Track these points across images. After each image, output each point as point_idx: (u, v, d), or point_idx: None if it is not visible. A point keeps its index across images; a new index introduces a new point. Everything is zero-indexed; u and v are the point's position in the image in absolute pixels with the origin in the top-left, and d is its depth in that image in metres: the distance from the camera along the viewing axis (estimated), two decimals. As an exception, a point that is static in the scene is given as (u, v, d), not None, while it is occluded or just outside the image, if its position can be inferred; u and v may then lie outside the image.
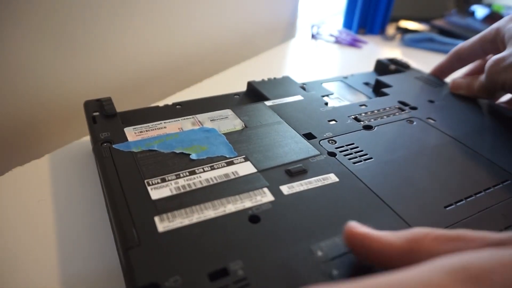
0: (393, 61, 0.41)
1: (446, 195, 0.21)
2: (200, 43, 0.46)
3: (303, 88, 0.34)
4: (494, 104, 0.33)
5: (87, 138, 0.31)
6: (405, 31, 0.67)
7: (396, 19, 0.72)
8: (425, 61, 0.53)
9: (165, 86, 0.42)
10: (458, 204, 0.21)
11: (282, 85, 0.34)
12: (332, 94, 0.34)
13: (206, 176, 0.21)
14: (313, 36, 0.64)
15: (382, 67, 0.41)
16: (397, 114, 0.30)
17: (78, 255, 0.21)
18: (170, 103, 0.30)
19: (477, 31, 0.58)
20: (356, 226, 0.16)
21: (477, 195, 0.22)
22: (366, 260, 0.15)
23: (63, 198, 0.25)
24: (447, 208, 0.20)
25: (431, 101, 0.32)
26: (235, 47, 0.51)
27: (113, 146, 0.23)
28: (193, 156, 0.22)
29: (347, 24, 0.69)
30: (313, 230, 0.18)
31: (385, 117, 0.29)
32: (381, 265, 0.15)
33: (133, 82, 0.41)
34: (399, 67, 0.40)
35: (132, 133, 0.24)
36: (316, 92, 0.33)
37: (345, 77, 0.38)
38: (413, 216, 0.19)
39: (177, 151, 0.23)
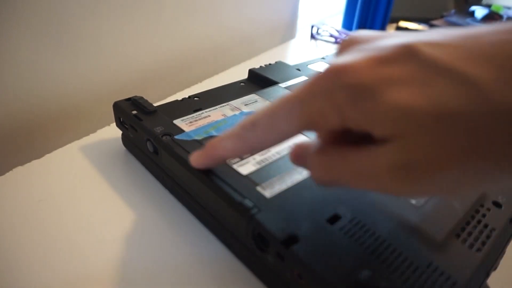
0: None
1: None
2: (200, 43, 0.47)
3: (299, 70, 0.38)
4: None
5: (87, 138, 0.32)
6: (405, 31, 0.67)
7: (396, 20, 0.71)
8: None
9: (165, 86, 0.42)
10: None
11: (280, 69, 0.37)
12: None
13: (275, 150, 0.24)
14: (312, 37, 0.63)
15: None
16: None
17: (78, 255, 0.21)
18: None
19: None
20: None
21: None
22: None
23: (63, 198, 0.25)
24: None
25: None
26: (235, 47, 0.52)
27: (175, 137, 0.24)
28: (253, 136, 0.25)
29: (347, 24, 0.68)
30: (380, 176, 0.22)
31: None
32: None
33: (133, 82, 0.40)
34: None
35: (183, 124, 0.26)
36: (314, 72, 0.37)
37: (323, 58, 0.43)
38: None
39: (236, 134, 0.25)
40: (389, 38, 0.14)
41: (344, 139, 0.15)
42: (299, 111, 0.15)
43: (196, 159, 0.21)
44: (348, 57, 0.14)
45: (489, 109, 0.11)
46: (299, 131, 0.16)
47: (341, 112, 0.14)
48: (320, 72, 0.14)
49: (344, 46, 0.16)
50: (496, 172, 0.12)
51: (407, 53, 0.13)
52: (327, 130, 0.15)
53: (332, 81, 0.14)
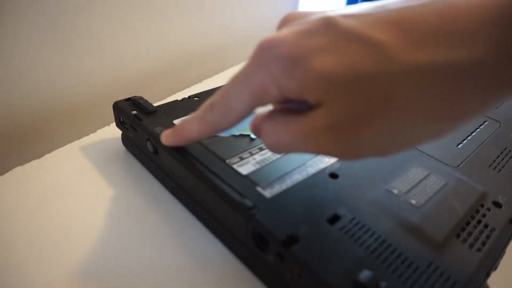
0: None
1: (453, 138, 0.27)
2: (200, 43, 0.47)
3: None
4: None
5: (87, 138, 0.32)
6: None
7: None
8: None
9: (165, 86, 0.42)
10: (463, 142, 0.27)
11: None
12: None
13: (274, 150, 0.24)
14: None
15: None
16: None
17: (78, 256, 0.21)
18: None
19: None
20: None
21: (472, 134, 0.28)
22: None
23: (63, 198, 0.25)
24: (458, 146, 0.26)
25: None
26: (235, 47, 0.52)
27: (175, 137, 0.24)
28: (253, 136, 0.25)
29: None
30: (380, 176, 0.22)
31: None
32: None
33: (133, 82, 0.40)
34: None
35: (183, 125, 0.26)
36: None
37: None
38: (438, 154, 0.25)
39: (236, 134, 0.25)
40: (316, 14, 0.15)
41: (292, 107, 0.17)
42: (245, 88, 0.16)
43: (166, 138, 0.22)
44: (279, 33, 0.15)
45: (394, 68, 0.13)
46: (251, 107, 0.17)
47: (278, 84, 0.15)
48: (256, 48, 0.16)
49: (280, 25, 0.17)
50: (412, 127, 0.14)
51: (325, 24, 0.14)
52: (273, 102, 0.17)
53: (266, 55, 0.15)
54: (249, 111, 0.17)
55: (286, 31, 0.15)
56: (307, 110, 0.15)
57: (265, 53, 0.15)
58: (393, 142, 0.14)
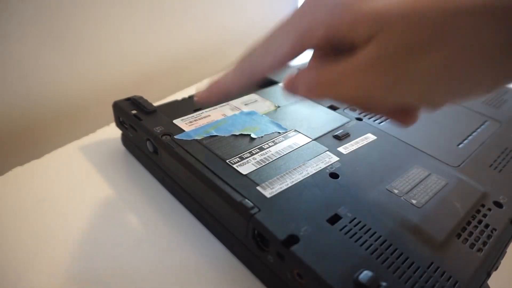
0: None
1: (453, 138, 0.27)
2: (200, 43, 0.47)
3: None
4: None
5: (87, 138, 0.32)
6: None
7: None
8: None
9: (165, 86, 0.42)
10: (464, 142, 0.27)
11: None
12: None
13: (275, 150, 0.24)
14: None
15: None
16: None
17: (78, 255, 0.21)
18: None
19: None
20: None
21: (473, 134, 0.28)
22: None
23: (62, 198, 0.25)
24: (459, 146, 0.26)
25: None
26: (235, 47, 0.52)
27: (175, 137, 0.24)
28: (254, 135, 0.25)
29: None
30: (381, 176, 0.22)
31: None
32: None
33: (133, 82, 0.40)
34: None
35: (183, 124, 0.26)
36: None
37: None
38: (439, 154, 0.25)
39: (236, 134, 0.25)
40: None
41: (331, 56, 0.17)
42: (290, 30, 0.16)
43: (200, 95, 0.22)
44: None
45: (451, 5, 0.13)
46: (293, 50, 0.17)
47: (327, 23, 0.15)
48: None
49: None
50: (465, 69, 0.13)
51: None
52: (316, 46, 0.17)
53: (315, 2, 0.16)
54: (288, 56, 0.17)
55: None
56: (351, 53, 0.15)
57: (315, 1, 0.16)
58: (441, 85, 0.14)
